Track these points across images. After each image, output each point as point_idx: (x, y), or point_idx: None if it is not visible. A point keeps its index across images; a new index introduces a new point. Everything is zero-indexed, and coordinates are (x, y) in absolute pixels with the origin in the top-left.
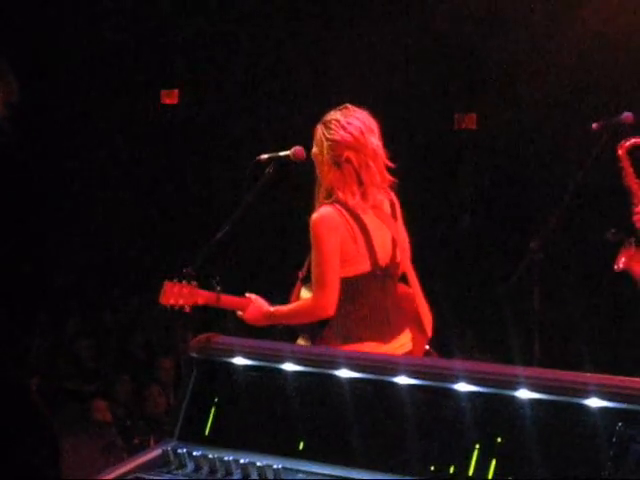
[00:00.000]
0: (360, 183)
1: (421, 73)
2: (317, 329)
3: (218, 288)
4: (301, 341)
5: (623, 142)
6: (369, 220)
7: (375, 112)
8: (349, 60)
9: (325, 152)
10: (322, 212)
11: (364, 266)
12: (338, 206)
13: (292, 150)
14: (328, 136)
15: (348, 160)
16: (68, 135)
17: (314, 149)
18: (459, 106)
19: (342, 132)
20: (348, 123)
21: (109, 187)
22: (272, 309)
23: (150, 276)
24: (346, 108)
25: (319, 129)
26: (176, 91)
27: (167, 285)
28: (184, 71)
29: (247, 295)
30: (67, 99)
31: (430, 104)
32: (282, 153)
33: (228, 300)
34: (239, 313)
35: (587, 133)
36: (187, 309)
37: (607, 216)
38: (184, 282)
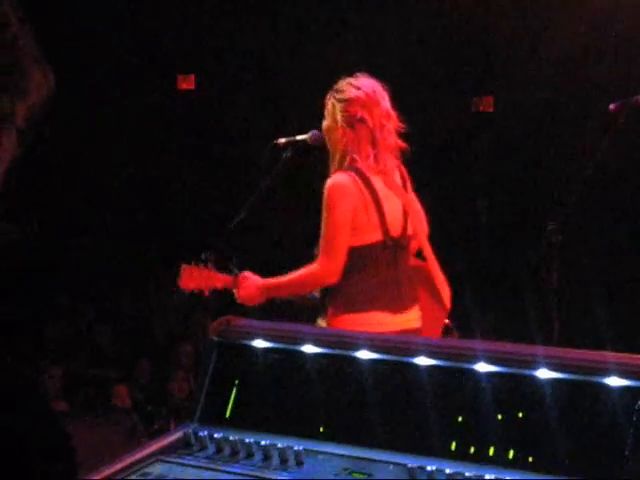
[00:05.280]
0: (374, 144)
1: (438, 56)
2: (324, 299)
3: (236, 271)
4: (321, 322)
5: None
6: (381, 189)
7: (391, 95)
8: (364, 43)
9: (339, 115)
10: (336, 179)
11: (375, 235)
12: (352, 173)
13: (310, 134)
14: (341, 97)
15: (362, 120)
16: (84, 121)
17: (326, 122)
18: (476, 89)
19: (355, 91)
20: (360, 84)
21: (126, 172)
22: (267, 282)
23: (168, 261)
24: (356, 75)
25: (330, 97)
26: (193, 76)
27: (185, 269)
28: (201, 56)
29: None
30: (83, 85)
31: (447, 87)
32: (299, 137)
33: (224, 280)
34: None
35: (605, 114)
36: (206, 293)
37: (624, 197)
38: (202, 265)
